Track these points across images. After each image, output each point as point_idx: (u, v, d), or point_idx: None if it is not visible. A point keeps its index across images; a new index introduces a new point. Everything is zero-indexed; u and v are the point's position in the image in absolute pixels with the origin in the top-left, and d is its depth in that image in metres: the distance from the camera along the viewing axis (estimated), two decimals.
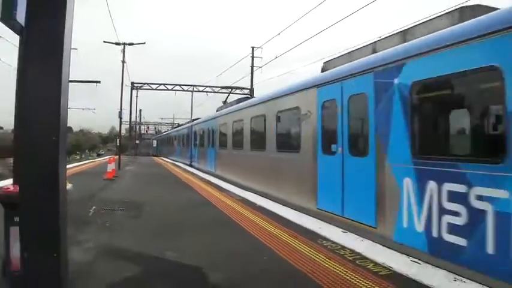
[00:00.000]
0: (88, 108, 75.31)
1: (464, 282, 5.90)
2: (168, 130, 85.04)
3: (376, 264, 6.79)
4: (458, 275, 6.17)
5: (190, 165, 36.51)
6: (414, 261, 6.89)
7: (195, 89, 54.58)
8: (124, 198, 14.28)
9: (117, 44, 36.51)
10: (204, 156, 30.16)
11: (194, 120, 39.49)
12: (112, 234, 8.93)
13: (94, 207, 12.21)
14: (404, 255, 7.24)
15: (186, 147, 42.87)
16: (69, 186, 7.28)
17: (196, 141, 34.31)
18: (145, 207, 12.52)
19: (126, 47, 37.12)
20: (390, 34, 9.80)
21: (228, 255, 7.44)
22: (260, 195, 15.26)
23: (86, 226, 9.58)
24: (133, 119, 64.41)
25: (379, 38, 10.25)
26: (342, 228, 9.50)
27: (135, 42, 37.56)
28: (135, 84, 54.02)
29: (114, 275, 6.13)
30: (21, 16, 3.95)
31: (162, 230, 9.44)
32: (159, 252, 7.39)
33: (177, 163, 44.54)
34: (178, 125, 67.92)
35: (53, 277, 3.80)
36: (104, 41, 36.85)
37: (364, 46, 10.92)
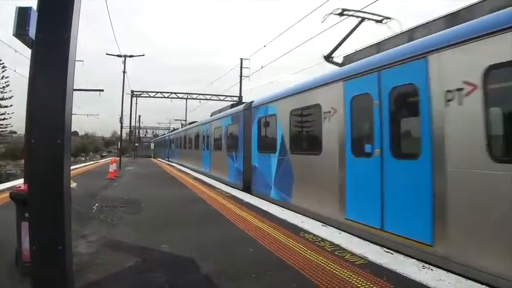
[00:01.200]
0: (92, 114, 75.35)
1: (432, 270, 5.96)
2: (164, 134, 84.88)
3: (353, 254, 6.84)
4: (426, 263, 6.24)
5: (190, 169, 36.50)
6: (387, 252, 6.96)
7: (189, 97, 55.07)
8: (124, 196, 14.26)
9: (118, 56, 36.50)
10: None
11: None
12: (113, 228, 8.94)
13: (97, 204, 12.21)
14: (378, 246, 7.30)
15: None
16: (74, 185, 7.28)
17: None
18: (143, 204, 12.51)
19: (127, 58, 37.12)
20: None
21: (217, 246, 7.48)
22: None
23: (89, 221, 9.59)
24: (133, 123, 64.39)
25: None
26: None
27: (135, 55, 37.65)
28: (135, 92, 54.22)
29: (115, 265, 6.16)
30: (32, 31, 4.00)
31: (158, 224, 9.46)
32: (155, 245, 7.41)
33: (172, 163, 44.55)
34: (174, 129, 67.94)
35: (58, 268, 3.81)
36: (107, 53, 36.83)
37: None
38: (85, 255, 6.66)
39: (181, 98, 55.63)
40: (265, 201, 13.13)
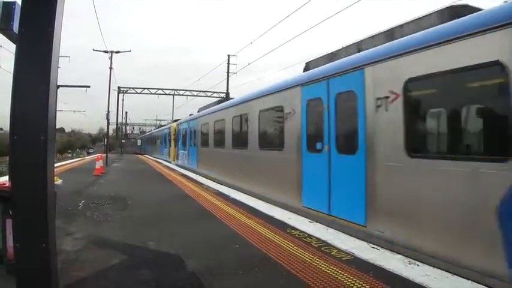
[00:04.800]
0: (79, 111, 74.58)
1: (418, 265, 5.97)
2: (151, 130, 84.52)
3: (339, 250, 6.83)
4: (413, 259, 6.25)
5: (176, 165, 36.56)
6: (374, 248, 6.95)
7: (176, 93, 54.71)
8: (111, 193, 14.13)
9: (105, 51, 36.18)
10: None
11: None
12: (100, 225, 8.86)
13: (83, 201, 12.08)
14: (365, 242, 7.30)
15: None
16: (59, 181, 7.20)
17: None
18: (130, 201, 12.42)
19: (114, 54, 36.78)
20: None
21: (204, 243, 7.43)
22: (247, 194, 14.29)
23: (75, 218, 9.48)
24: (120, 120, 64.00)
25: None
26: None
27: (121, 50, 37.25)
28: (122, 89, 53.73)
29: (101, 263, 6.09)
30: (17, 26, 3.91)
31: (145, 221, 9.40)
32: (142, 242, 7.35)
33: (158, 160, 44.39)
34: (161, 126, 67.68)
35: (42, 266, 3.74)
36: (93, 49, 36.49)
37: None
38: (71, 253, 6.58)
39: (168, 94, 55.18)
40: (252, 198, 13.10)
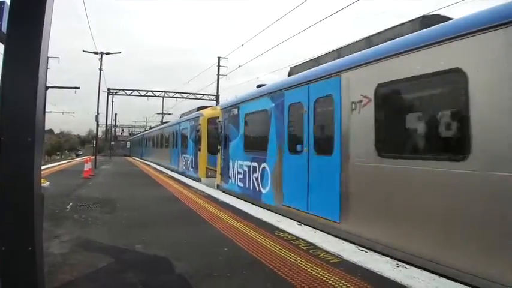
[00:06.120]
0: (68, 112, 74.07)
1: (406, 268, 5.97)
2: (140, 132, 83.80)
3: (327, 253, 6.81)
4: (400, 261, 6.25)
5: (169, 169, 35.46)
6: (362, 250, 6.95)
7: (165, 95, 54.34)
8: (99, 195, 14.03)
9: (95, 53, 35.89)
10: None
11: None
12: (87, 228, 8.76)
13: (71, 203, 11.97)
14: (353, 245, 7.29)
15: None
16: (46, 184, 7.11)
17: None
18: (118, 203, 12.32)
19: (104, 56, 36.50)
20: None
21: (192, 246, 7.38)
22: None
23: (63, 221, 9.38)
24: (109, 122, 63.47)
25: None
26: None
27: (111, 52, 36.98)
28: (111, 90, 53.32)
29: (88, 266, 6.02)
30: (5, 26, 3.85)
31: (133, 224, 9.32)
32: (130, 245, 7.28)
33: (147, 162, 44.06)
34: (150, 128, 67.04)
35: (29, 269, 3.67)
36: (83, 50, 36.15)
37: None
38: (58, 256, 6.49)
39: (158, 96, 54.79)
40: (242, 201, 13.12)
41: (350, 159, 7.90)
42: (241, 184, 13.97)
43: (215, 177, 18.11)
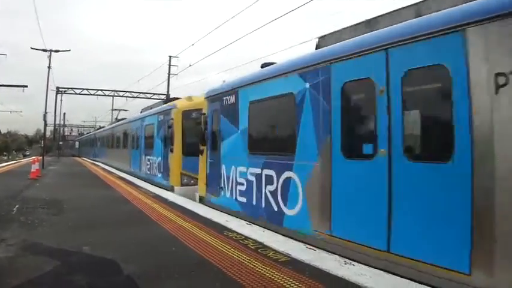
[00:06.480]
0: (15, 111, 71.48)
1: (353, 265, 6.03)
2: (89, 132, 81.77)
3: (276, 252, 6.83)
4: (348, 259, 6.29)
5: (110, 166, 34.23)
6: (310, 249, 6.99)
7: (115, 94, 53.25)
8: (46, 197, 13.68)
9: (43, 50, 34.74)
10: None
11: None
12: (34, 231, 8.53)
13: (17, 205, 11.66)
14: (302, 243, 7.32)
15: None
16: None
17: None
18: (65, 205, 12.04)
19: (53, 54, 35.31)
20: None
21: (141, 247, 7.28)
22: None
23: (9, 224, 9.12)
24: (57, 121, 61.58)
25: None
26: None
27: (60, 50, 35.85)
28: (60, 89, 51.72)
29: (35, 269, 5.86)
30: None
31: (81, 225, 9.11)
32: (77, 247, 7.11)
33: (96, 163, 43.04)
34: (100, 127, 65.45)
35: None
36: (31, 48, 34.93)
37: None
38: (3, 260, 6.32)
39: (108, 95, 53.63)
40: (191, 201, 13.03)
41: (498, 170, 4.74)
42: (242, 199, 10.10)
43: (192, 185, 14.88)
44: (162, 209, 11.33)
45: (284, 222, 8.29)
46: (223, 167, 11.14)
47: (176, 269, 5.94)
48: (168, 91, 45.48)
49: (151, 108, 22.86)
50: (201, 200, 12.70)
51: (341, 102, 7.04)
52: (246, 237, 7.83)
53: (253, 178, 9.56)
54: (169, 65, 45.51)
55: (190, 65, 37.34)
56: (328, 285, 5.24)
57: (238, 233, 8.19)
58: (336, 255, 6.51)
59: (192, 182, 15.21)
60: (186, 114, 16.71)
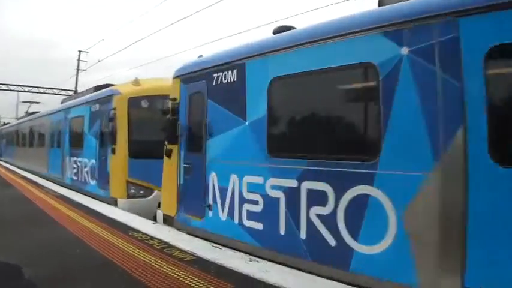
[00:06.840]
0: None
1: (258, 262, 6.14)
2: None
3: (182, 251, 6.83)
4: (254, 256, 6.39)
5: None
6: (216, 247, 7.04)
7: (21, 89, 50.20)
8: None
9: None
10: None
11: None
12: None
13: None
14: (207, 242, 7.35)
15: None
16: None
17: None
18: None
19: None
20: None
21: (44, 249, 7.05)
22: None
23: None
24: None
25: None
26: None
27: None
28: None
29: None
30: None
31: None
32: None
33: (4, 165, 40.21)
34: (4, 124, 60.93)
35: None
36: None
37: None
38: None
39: (13, 90, 50.29)
40: (95, 201, 12.61)
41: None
42: (256, 225, 6.65)
43: (142, 197, 11.70)
44: (66, 210, 10.95)
45: (352, 264, 5.19)
46: (212, 175, 7.77)
47: (80, 271, 5.84)
48: (76, 86, 43.86)
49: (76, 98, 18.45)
50: (176, 223, 8.80)
51: (484, 76, 4.20)
52: (152, 237, 7.77)
53: (279, 194, 6.28)
54: (79, 60, 44.01)
55: (99, 61, 36.29)
56: (233, 283, 5.29)
57: (143, 233, 8.11)
58: (242, 253, 6.57)
59: (142, 192, 11.85)
60: (134, 102, 12.39)
